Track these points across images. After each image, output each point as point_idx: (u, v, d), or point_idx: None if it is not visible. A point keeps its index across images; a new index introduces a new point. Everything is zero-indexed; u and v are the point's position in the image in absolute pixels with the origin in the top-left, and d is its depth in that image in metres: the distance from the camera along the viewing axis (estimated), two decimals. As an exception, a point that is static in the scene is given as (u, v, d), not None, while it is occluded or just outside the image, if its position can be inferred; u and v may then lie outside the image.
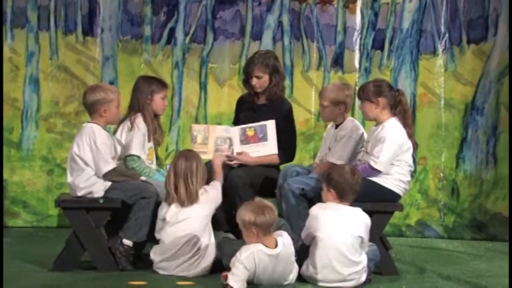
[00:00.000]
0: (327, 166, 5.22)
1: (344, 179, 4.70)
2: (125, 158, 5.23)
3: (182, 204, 4.86)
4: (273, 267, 4.53)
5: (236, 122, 5.73)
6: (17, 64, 6.76)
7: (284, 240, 4.58)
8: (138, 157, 5.22)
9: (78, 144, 5.03)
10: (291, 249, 4.62)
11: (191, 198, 4.86)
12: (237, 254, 4.48)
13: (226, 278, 4.49)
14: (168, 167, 5.15)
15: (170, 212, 4.87)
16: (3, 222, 6.55)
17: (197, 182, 4.88)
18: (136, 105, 5.30)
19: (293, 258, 4.66)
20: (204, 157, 5.43)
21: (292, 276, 4.68)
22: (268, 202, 4.62)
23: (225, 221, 5.33)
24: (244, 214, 4.51)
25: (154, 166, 5.37)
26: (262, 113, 5.60)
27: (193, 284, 4.66)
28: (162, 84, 5.43)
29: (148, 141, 5.30)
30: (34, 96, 6.79)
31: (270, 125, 5.48)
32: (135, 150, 5.21)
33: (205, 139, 5.49)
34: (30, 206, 6.77)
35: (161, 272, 4.87)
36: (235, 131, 5.51)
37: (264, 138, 5.49)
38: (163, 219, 4.89)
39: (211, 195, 4.96)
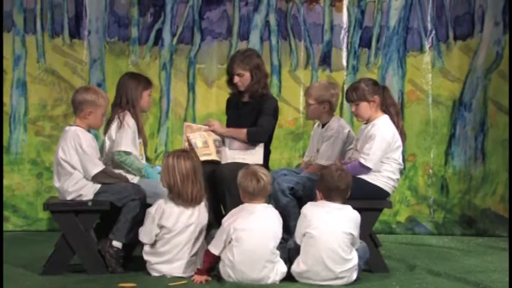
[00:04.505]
0: (316, 168, 5.25)
1: (330, 178, 4.72)
2: (113, 154, 5.21)
3: (189, 204, 4.82)
4: (255, 222, 4.63)
5: (225, 123, 5.73)
6: (4, 68, 6.74)
7: (274, 210, 4.79)
8: (128, 153, 5.20)
9: (63, 149, 5.00)
10: (276, 218, 4.76)
11: (197, 200, 4.83)
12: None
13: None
14: (159, 167, 5.13)
15: (171, 219, 4.81)
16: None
17: (201, 184, 4.87)
18: (125, 102, 5.28)
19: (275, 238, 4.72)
20: (210, 158, 5.45)
21: (276, 274, 4.69)
22: (262, 170, 4.74)
23: (211, 211, 5.34)
24: (239, 176, 4.75)
25: (144, 162, 5.36)
26: (246, 110, 5.61)
27: (186, 283, 4.67)
28: (149, 81, 5.44)
29: (138, 137, 5.30)
30: (22, 100, 6.77)
31: None
32: (125, 146, 5.19)
33: (205, 143, 5.51)
34: (20, 210, 6.75)
35: (155, 273, 4.86)
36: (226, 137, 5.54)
37: (252, 147, 5.50)
38: (162, 226, 4.82)
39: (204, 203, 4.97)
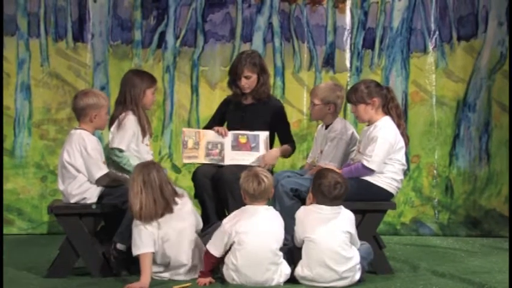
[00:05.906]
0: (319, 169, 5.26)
1: (328, 191, 4.70)
2: (108, 151, 5.22)
3: (158, 217, 4.74)
4: (257, 224, 4.63)
5: (219, 122, 5.70)
6: (8, 71, 6.75)
7: (275, 212, 4.79)
8: (121, 150, 5.19)
9: (68, 152, 5.01)
10: (278, 220, 4.75)
11: (166, 209, 4.76)
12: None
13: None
14: (165, 170, 5.11)
15: (154, 233, 4.76)
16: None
17: (167, 193, 4.78)
18: (129, 100, 5.27)
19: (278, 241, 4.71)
20: (195, 161, 5.46)
21: (280, 276, 4.70)
22: (264, 172, 4.74)
23: (214, 213, 5.34)
24: (241, 177, 4.74)
25: (151, 157, 5.35)
26: (251, 112, 5.61)
27: (190, 285, 4.68)
28: (153, 79, 5.41)
29: (145, 135, 5.27)
30: (26, 104, 6.79)
31: (263, 136, 5.51)
32: (117, 143, 5.18)
33: (196, 144, 5.49)
34: (25, 213, 6.76)
35: (157, 278, 4.86)
36: (228, 136, 5.52)
37: (255, 148, 5.50)
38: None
39: (188, 207, 4.91)
